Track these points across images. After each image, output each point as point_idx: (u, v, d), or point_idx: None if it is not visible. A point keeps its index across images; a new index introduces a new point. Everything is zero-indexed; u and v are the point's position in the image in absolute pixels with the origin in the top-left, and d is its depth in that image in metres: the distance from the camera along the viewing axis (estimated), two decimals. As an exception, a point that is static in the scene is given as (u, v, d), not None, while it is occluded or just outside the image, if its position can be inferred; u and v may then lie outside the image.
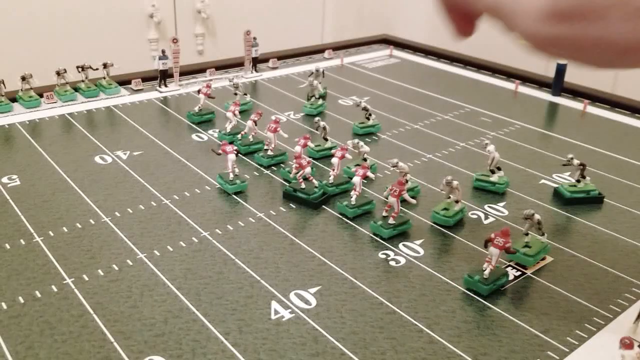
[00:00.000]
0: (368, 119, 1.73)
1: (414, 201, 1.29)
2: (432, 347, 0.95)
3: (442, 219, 1.27)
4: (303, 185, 1.34)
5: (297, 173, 1.35)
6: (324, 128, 1.57)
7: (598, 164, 1.57)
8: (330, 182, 1.38)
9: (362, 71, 2.29)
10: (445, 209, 1.29)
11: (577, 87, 2.06)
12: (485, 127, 1.79)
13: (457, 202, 1.30)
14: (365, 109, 1.72)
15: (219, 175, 1.40)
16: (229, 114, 1.63)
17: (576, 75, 2.08)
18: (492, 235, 1.08)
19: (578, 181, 1.39)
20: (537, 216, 1.17)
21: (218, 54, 2.56)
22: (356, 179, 1.31)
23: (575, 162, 1.39)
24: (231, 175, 1.38)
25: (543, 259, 1.18)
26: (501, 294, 1.08)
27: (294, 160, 1.36)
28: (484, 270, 1.07)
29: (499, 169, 1.43)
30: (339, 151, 1.39)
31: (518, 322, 1.01)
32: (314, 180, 1.36)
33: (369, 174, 1.33)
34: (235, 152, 1.39)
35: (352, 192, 1.31)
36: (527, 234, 1.18)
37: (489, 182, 1.42)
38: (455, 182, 1.28)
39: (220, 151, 1.40)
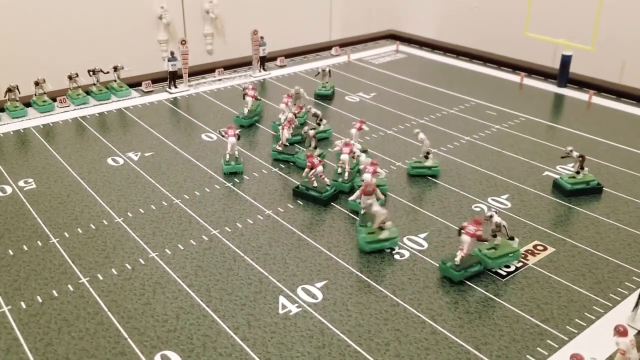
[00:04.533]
0: (319, 124, 1.68)
1: (382, 197, 1.30)
2: (435, 337, 0.98)
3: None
4: (315, 184, 1.37)
5: (310, 172, 1.37)
6: (314, 137, 1.53)
7: (603, 154, 1.59)
8: (345, 178, 1.41)
9: (369, 67, 2.31)
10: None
11: (583, 77, 2.07)
12: (490, 121, 1.81)
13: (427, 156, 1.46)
14: (315, 115, 1.67)
15: (223, 157, 1.51)
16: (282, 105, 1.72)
17: (582, 66, 2.09)
18: (465, 224, 1.12)
19: (577, 172, 1.41)
20: (496, 219, 1.16)
21: (227, 53, 2.60)
22: (366, 176, 1.29)
23: (575, 154, 1.40)
24: (227, 157, 1.48)
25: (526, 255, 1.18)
26: (503, 285, 1.10)
27: (306, 159, 1.38)
28: (456, 257, 1.10)
29: (428, 154, 1.48)
30: (370, 166, 1.33)
31: (519, 312, 1.03)
32: (325, 179, 1.38)
33: (379, 170, 1.35)
34: (237, 136, 1.50)
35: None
36: (494, 236, 1.17)
37: (425, 167, 1.48)
38: (421, 135, 1.45)
39: (224, 133, 1.51)
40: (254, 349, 0.95)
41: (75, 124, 1.79)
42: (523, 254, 1.18)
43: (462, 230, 1.11)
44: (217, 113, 1.87)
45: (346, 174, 1.41)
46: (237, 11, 2.78)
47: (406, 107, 1.92)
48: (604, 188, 1.41)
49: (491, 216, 1.17)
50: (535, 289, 1.09)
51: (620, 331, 0.86)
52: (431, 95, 2.02)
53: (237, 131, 1.51)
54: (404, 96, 2.01)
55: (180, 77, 2.06)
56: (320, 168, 1.37)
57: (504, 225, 1.17)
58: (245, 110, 1.78)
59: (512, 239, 1.17)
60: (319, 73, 1.99)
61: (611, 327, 0.89)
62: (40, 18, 2.31)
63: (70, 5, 2.36)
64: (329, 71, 2.00)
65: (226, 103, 1.94)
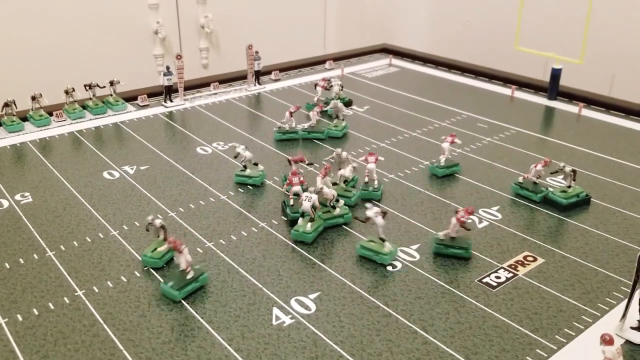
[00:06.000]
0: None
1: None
2: (426, 347, 1.00)
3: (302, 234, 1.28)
4: (292, 202, 1.36)
5: (288, 189, 1.38)
6: (162, 227, 1.24)
7: (592, 166, 1.61)
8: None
9: (363, 81, 2.34)
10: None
11: (573, 90, 2.10)
12: (481, 133, 1.83)
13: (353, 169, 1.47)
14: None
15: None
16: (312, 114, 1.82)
17: (572, 79, 2.12)
18: (460, 209, 1.23)
19: (569, 186, 1.43)
20: (369, 213, 1.22)
21: (223, 67, 2.62)
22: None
23: (568, 168, 1.42)
24: (280, 123, 1.78)
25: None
26: (494, 295, 1.12)
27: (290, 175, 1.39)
28: (440, 233, 1.25)
29: (256, 164, 1.54)
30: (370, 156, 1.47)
31: (509, 322, 1.05)
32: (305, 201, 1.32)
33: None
34: (296, 109, 1.78)
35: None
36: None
37: (246, 177, 1.52)
38: (344, 154, 1.45)
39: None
40: (247, 360, 0.97)
41: (71, 138, 1.81)
42: (512, 264, 1.20)
43: (456, 213, 1.23)
44: (212, 127, 1.89)
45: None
46: (232, 26, 2.81)
47: (398, 120, 1.94)
48: (593, 199, 1.44)
49: (376, 212, 1.23)
50: (525, 299, 1.11)
51: (607, 340, 0.87)
52: (423, 108, 2.05)
53: (295, 110, 1.78)
54: (396, 109, 2.04)
55: (176, 91, 2.08)
56: (297, 188, 1.35)
57: (380, 226, 1.22)
58: (306, 125, 1.82)
59: (383, 240, 1.23)
60: (332, 85, 2.05)
61: (599, 337, 0.91)
62: (36, 33, 2.33)
63: (67, 20, 2.39)
64: (341, 86, 2.05)
65: (221, 117, 1.96)
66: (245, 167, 1.53)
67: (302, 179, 1.38)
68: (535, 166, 1.48)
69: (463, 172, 1.58)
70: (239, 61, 2.30)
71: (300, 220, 1.30)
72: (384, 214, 1.22)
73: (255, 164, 1.55)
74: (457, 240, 1.23)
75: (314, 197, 1.30)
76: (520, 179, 1.49)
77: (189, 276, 1.12)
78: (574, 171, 1.43)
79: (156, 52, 2.65)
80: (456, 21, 2.81)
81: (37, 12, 2.32)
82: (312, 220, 1.29)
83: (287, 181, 1.38)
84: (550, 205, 1.42)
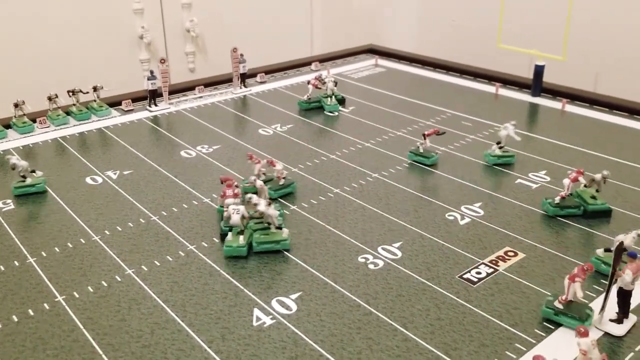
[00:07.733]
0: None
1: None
2: (406, 344, 1.00)
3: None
4: (225, 214, 1.28)
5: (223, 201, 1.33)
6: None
7: (576, 161, 1.61)
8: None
9: (348, 81, 2.34)
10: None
11: (557, 87, 2.11)
12: (465, 131, 1.83)
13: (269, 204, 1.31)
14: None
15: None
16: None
17: (556, 75, 2.13)
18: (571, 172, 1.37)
19: (597, 191, 1.40)
20: (261, 208, 1.25)
21: (209, 70, 2.62)
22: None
23: (598, 176, 1.39)
24: (419, 143, 1.65)
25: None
26: (474, 291, 1.12)
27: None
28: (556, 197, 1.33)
29: (33, 171, 1.52)
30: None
31: (489, 317, 1.05)
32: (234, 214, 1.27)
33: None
34: (429, 133, 1.64)
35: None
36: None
37: (28, 186, 1.49)
38: (259, 183, 1.38)
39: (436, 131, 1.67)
40: (227, 362, 0.97)
41: (55, 144, 1.80)
42: (494, 260, 1.21)
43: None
44: (197, 130, 1.89)
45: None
46: (217, 29, 2.81)
47: (384, 120, 1.94)
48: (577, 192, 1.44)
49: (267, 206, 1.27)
50: (505, 294, 1.11)
51: (581, 332, 0.88)
52: (408, 107, 2.05)
53: (431, 133, 1.65)
54: (382, 109, 2.04)
55: (161, 95, 2.08)
56: (228, 200, 1.31)
57: (275, 217, 1.27)
58: (306, 97, 2.07)
59: (279, 228, 1.27)
60: (325, 82, 2.07)
61: (577, 330, 0.91)
62: (18, 39, 2.32)
63: (50, 26, 2.38)
64: (335, 82, 2.07)
65: (206, 120, 1.96)
66: (24, 177, 1.50)
67: (236, 191, 1.34)
68: (575, 179, 1.37)
69: (447, 170, 1.59)
70: (225, 65, 2.30)
71: (229, 235, 1.25)
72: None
73: (33, 171, 1.52)
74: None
75: (242, 208, 1.25)
76: (557, 199, 1.37)
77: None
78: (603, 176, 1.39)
79: (142, 57, 2.64)
80: (441, 21, 2.81)
81: (20, 17, 2.31)
82: (241, 232, 1.25)
83: (222, 194, 1.34)
84: (591, 217, 1.35)
